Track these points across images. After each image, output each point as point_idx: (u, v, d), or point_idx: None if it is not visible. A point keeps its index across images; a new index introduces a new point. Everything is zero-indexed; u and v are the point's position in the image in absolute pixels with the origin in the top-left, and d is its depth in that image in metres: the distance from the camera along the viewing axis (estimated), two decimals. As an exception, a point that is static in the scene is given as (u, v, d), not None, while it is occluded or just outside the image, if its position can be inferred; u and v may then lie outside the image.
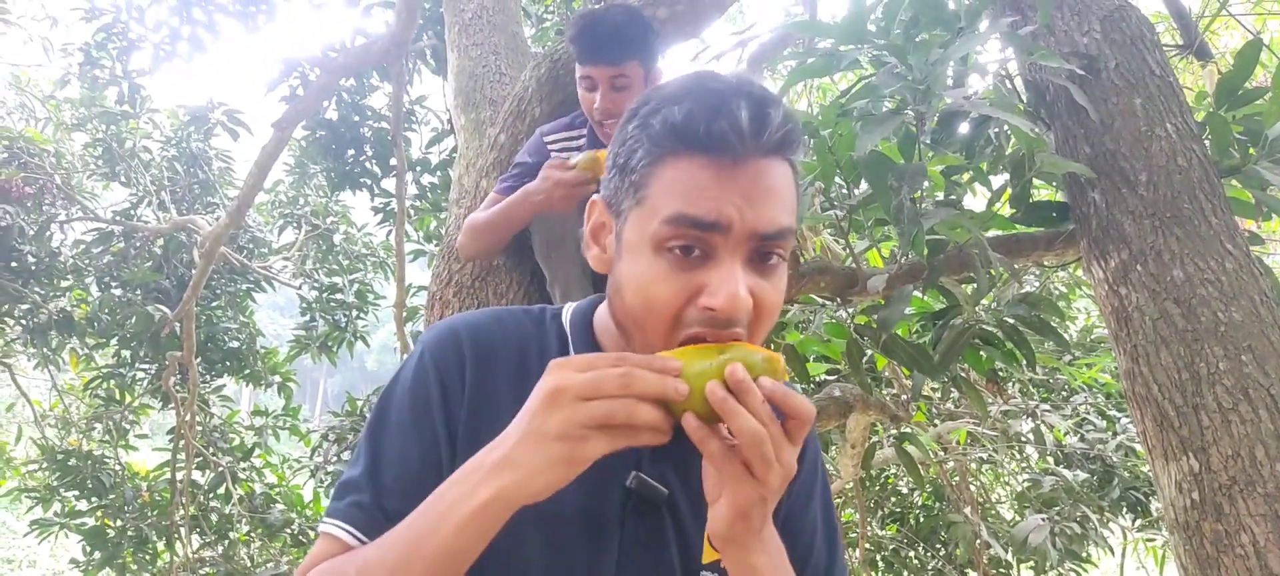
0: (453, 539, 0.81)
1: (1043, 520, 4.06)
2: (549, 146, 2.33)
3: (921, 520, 6.06)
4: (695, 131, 0.84)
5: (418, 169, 5.89)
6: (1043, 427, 4.55)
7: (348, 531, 0.95)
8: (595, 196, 0.99)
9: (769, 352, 0.84)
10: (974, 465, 5.70)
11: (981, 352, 2.69)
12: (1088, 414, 4.83)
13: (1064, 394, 4.97)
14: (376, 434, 1.00)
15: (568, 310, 1.10)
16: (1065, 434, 4.76)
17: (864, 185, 2.38)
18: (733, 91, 0.85)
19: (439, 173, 5.87)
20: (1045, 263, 2.78)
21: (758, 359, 0.81)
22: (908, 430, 4.08)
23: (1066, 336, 5.58)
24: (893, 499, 6.25)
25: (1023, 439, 4.77)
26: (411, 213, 5.96)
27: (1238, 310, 1.88)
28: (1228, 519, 1.74)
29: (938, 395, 5.11)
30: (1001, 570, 5.53)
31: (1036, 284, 5.22)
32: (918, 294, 2.94)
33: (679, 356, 0.82)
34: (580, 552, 0.85)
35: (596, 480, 0.90)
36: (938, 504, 5.99)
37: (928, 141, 2.30)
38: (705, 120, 0.84)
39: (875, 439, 4.76)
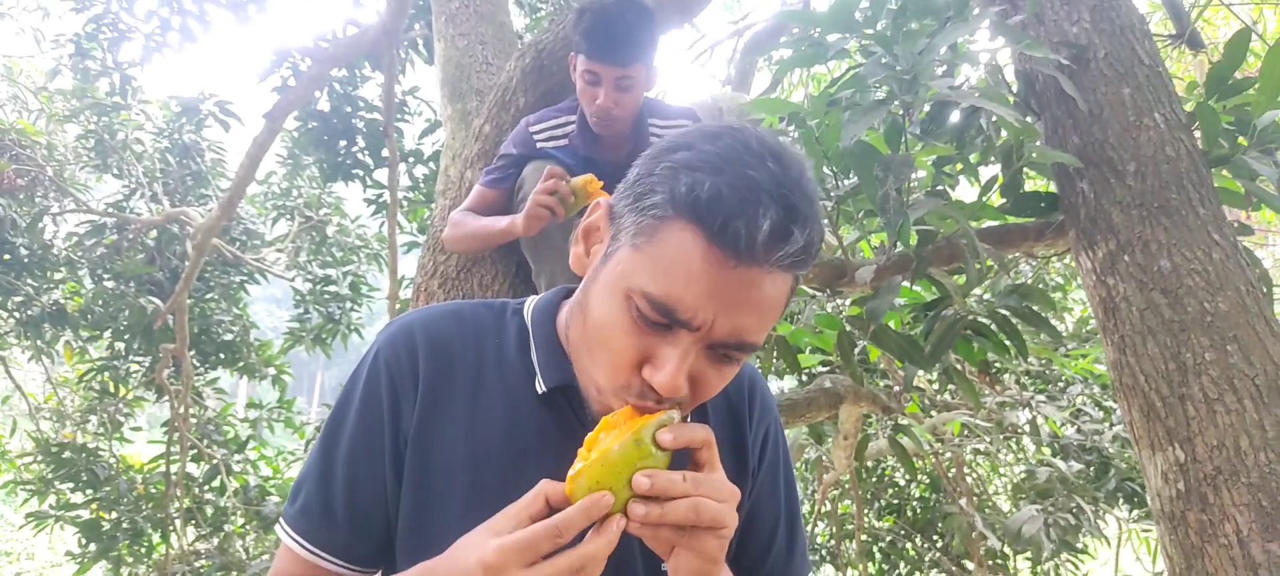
0: None
1: (1037, 511, 4.05)
2: (535, 138, 2.31)
3: (918, 512, 6.07)
4: (712, 219, 0.81)
5: (410, 160, 5.87)
6: (1038, 419, 4.54)
7: (299, 542, 1.00)
8: (599, 199, 0.97)
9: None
10: (970, 456, 5.70)
11: (973, 343, 2.68)
12: (1084, 405, 4.83)
13: (1061, 385, 4.96)
14: (331, 435, 1.03)
15: (530, 305, 1.10)
16: (1062, 425, 4.75)
17: (853, 175, 2.37)
18: (768, 192, 0.81)
19: (432, 164, 5.85)
20: (1036, 253, 2.77)
21: (650, 426, 0.83)
22: (903, 421, 4.08)
23: (1063, 327, 5.58)
24: (890, 490, 6.26)
25: (1019, 430, 4.77)
26: (404, 204, 5.95)
27: (1224, 300, 1.87)
28: (1212, 508, 1.73)
29: (934, 387, 5.11)
30: (998, 561, 5.53)
31: (1032, 275, 5.22)
32: (910, 285, 2.93)
33: (591, 447, 0.84)
34: None
35: (554, 465, 0.93)
36: (934, 495, 6.00)
37: (917, 132, 2.29)
38: (727, 214, 0.80)
39: (871, 431, 4.76)
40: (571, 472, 0.83)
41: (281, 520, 1.03)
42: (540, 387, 1.01)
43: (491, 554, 0.79)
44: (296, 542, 1.00)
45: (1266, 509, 1.67)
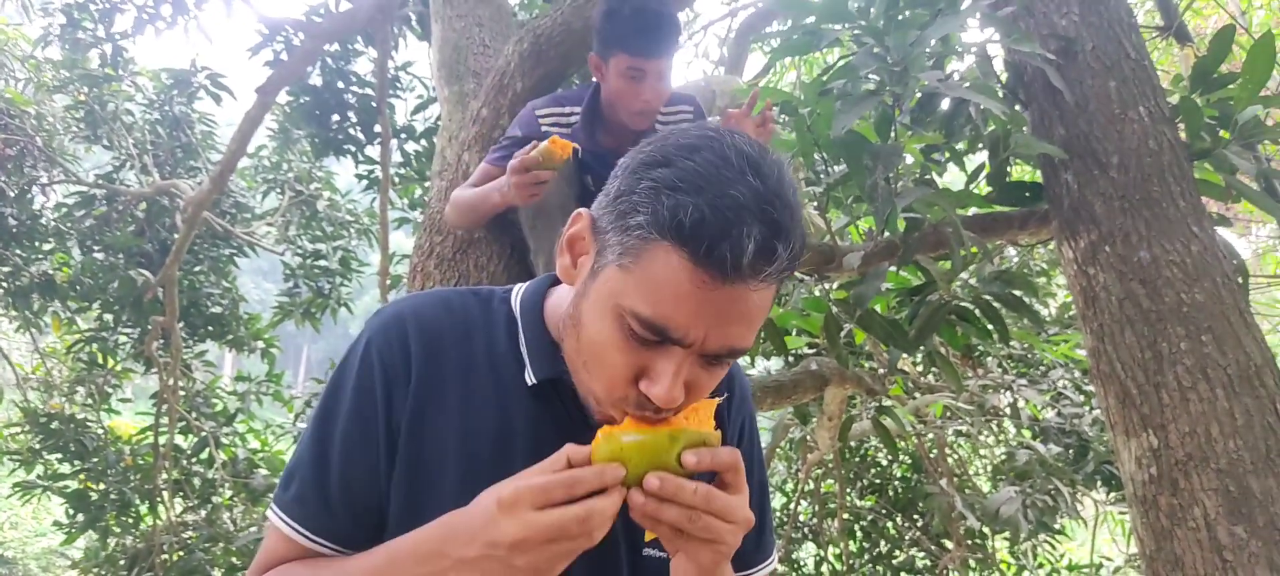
0: None
1: (1015, 492, 4.13)
2: (541, 123, 2.35)
3: (899, 491, 6.16)
4: (698, 244, 0.82)
5: (402, 136, 5.87)
6: (1019, 402, 4.61)
7: (294, 529, 1.00)
8: (581, 210, 0.97)
9: (699, 421, 0.90)
10: (952, 438, 5.78)
11: (957, 328, 2.74)
12: (1065, 389, 4.90)
13: (1042, 369, 5.03)
14: (324, 423, 1.03)
15: (517, 293, 1.12)
16: (1042, 408, 4.83)
17: (843, 163, 2.41)
18: (750, 210, 0.82)
19: (424, 140, 5.86)
20: (1020, 241, 2.82)
21: (686, 437, 0.88)
22: (886, 403, 4.14)
23: (1046, 312, 5.66)
24: (872, 470, 6.34)
25: (1000, 413, 4.84)
26: (396, 180, 5.95)
27: (1200, 292, 1.93)
28: (1182, 493, 1.80)
29: (919, 369, 5.17)
30: (977, 541, 5.62)
31: (1017, 261, 5.28)
32: (897, 270, 2.99)
33: (607, 434, 0.88)
34: None
35: (540, 454, 0.96)
36: (915, 476, 6.08)
37: (906, 121, 2.33)
38: (712, 237, 0.81)
39: (854, 411, 4.82)
40: (600, 437, 0.87)
41: (273, 506, 1.03)
42: (530, 380, 1.03)
43: (509, 492, 0.84)
44: (293, 529, 1.00)
45: (1233, 494, 1.74)
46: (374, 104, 5.44)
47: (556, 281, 1.10)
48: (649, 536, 1.04)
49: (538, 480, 0.84)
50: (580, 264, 0.96)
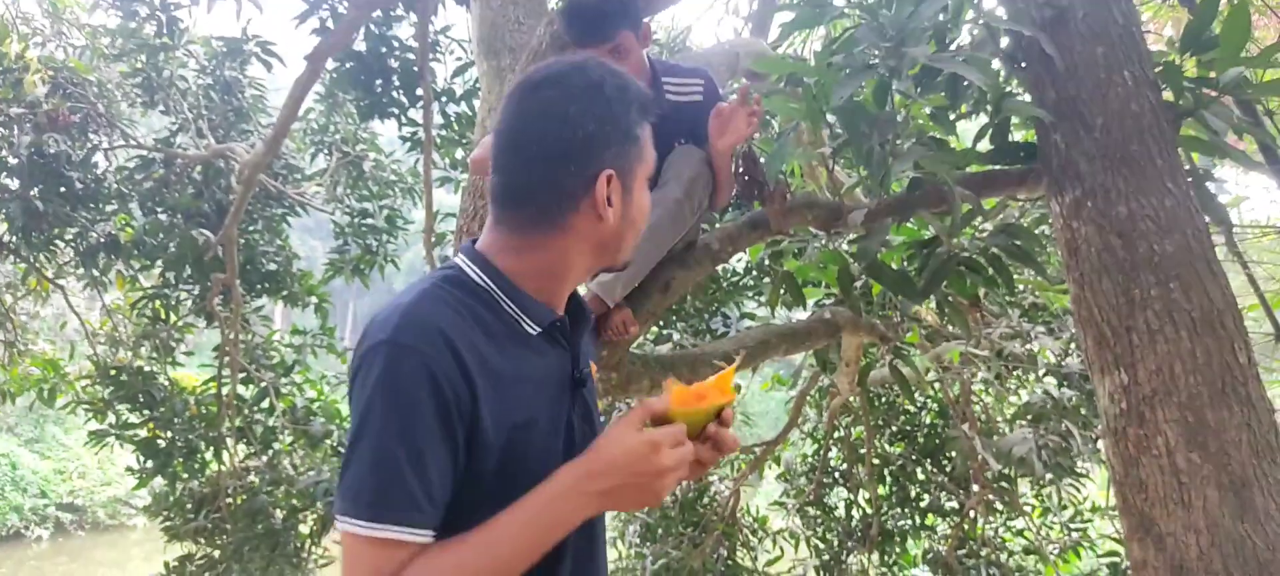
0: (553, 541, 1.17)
1: (1028, 433, 4.32)
2: None
3: (927, 437, 6.35)
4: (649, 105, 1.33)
5: (443, 99, 6.10)
6: (1035, 349, 4.78)
7: (415, 533, 1.10)
8: (609, 171, 1.26)
9: (721, 385, 1.24)
10: (980, 386, 5.94)
11: (966, 279, 2.93)
12: (1085, 336, 5.01)
13: (1066, 317, 5.17)
14: (409, 433, 1.11)
15: (468, 268, 1.28)
16: (1065, 356, 4.98)
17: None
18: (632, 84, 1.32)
19: (464, 103, 6.09)
20: (1017, 198, 2.99)
21: (712, 411, 1.25)
22: (901, 349, 4.34)
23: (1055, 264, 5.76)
24: (902, 417, 6.53)
25: (1020, 361, 5.01)
26: (438, 141, 6.20)
27: (1171, 243, 2.10)
28: (1148, 425, 2.00)
29: (943, 320, 5.34)
30: (1003, 485, 5.80)
31: (1035, 216, 5.40)
32: (909, 224, 3.18)
33: (680, 402, 1.22)
34: (555, 434, 1.26)
35: (558, 385, 1.31)
36: (942, 422, 6.26)
37: (906, 87, 2.51)
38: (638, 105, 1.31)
39: (875, 360, 5.02)
40: (673, 402, 1.21)
41: (375, 524, 1.09)
42: (532, 331, 1.26)
43: (652, 436, 1.16)
44: (414, 533, 1.10)
45: (1191, 424, 1.94)
46: (416, 68, 5.68)
47: (473, 246, 1.32)
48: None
49: (659, 433, 1.16)
50: (616, 203, 1.28)
